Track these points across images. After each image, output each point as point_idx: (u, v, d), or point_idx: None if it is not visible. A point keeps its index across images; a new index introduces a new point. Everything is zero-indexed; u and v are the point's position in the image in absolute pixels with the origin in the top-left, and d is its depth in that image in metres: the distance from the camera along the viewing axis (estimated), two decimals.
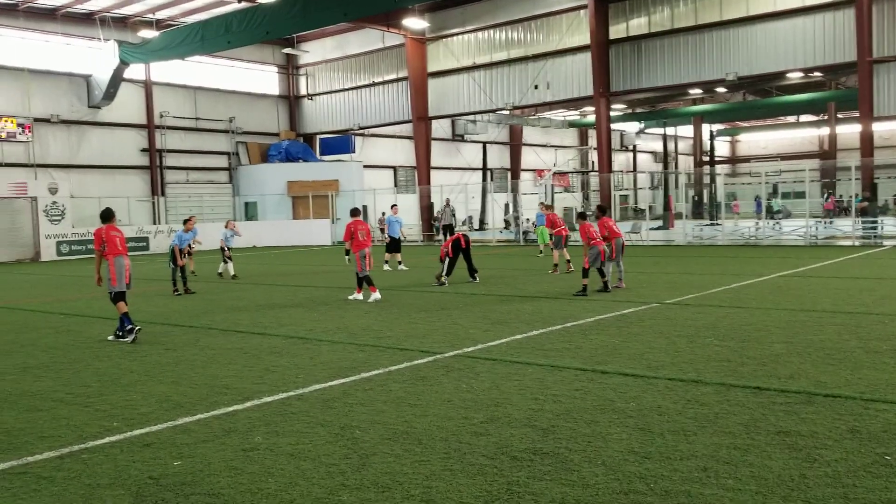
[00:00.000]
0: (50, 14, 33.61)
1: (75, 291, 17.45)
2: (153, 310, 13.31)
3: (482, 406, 6.12)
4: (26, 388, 7.31)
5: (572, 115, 56.44)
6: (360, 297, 13.71)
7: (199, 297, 15.47)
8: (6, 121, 32.43)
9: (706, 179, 48.44)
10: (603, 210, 15.21)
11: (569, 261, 18.21)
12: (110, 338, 10.08)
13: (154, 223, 36.78)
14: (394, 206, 22.46)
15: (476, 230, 43.83)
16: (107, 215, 10.31)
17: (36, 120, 33.41)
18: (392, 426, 5.61)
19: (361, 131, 43.40)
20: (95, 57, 34.46)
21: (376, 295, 13.43)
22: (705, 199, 47.49)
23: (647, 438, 5.17)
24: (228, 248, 19.57)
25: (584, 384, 6.75)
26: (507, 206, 42.32)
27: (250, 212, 39.88)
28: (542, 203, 25.17)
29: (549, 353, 8.20)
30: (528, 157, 55.78)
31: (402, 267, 20.39)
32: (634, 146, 63.64)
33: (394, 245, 20.87)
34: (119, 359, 8.70)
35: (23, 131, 32.93)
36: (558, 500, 4.15)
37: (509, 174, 53.28)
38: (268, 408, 6.28)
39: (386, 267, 20.24)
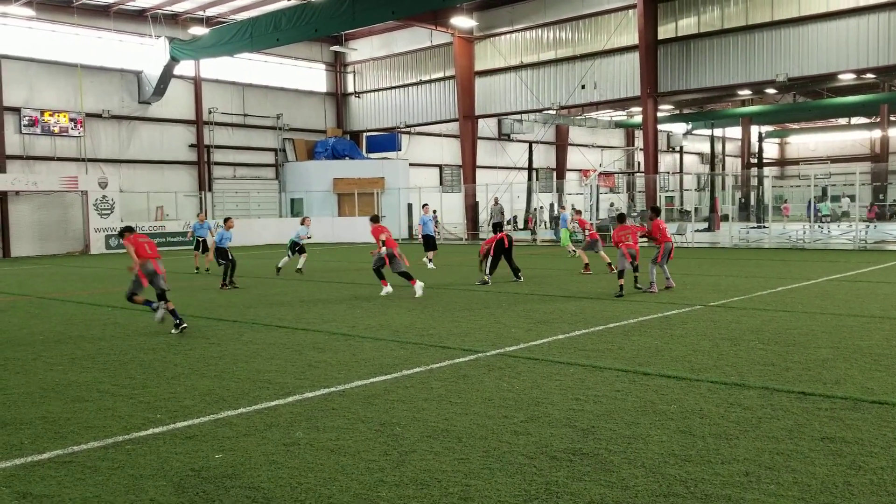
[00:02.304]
0: (103, 11, 34.40)
1: (123, 284, 17.80)
2: (198, 304, 13.55)
3: (523, 405, 6.09)
4: (73, 379, 7.49)
5: (619, 115, 55.87)
6: (389, 289, 14.20)
7: (244, 292, 15.70)
8: (59, 116, 33.32)
9: (753, 182, 47.51)
10: (657, 212, 15.28)
11: (609, 263, 18.08)
12: (174, 332, 10.17)
13: None
14: (425, 205, 22.55)
15: (521, 230, 43.67)
16: (127, 230, 10.49)
17: (88, 115, 34.25)
18: (432, 424, 5.62)
19: (408, 129, 43.56)
20: (146, 53, 35.19)
21: (418, 287, 13.72)
22: (752, 202, 46.56)
23: (688, 441, 5.09)
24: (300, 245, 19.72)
25: (626, 385, 6.68)
26: (551, 205, 42.08)
27: (296, 208, 40.33)
28: (568, 205, 25.15)
29: (590, 354, 8.13)
30: (574, 157, 55.38)
31: (430, 265, 20.40)
32: (681, 147, 62.72)
33: (429, 243, 20.95)
34: (164, 352, 8.87)
35: (75, 126, 33.79)
36: (597, 501, 4.11)
37: (555, 174, 52.97)
38: (309, 403, 6.34)
39: (430, 265, 20.33)
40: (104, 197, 32.11)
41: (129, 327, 10.86)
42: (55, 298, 15.06)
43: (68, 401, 6.60)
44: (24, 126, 32.40)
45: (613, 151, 58.87)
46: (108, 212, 32.06)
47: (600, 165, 52.01)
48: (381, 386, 6.88)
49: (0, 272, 21.51)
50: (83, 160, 34.07)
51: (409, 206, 39.14)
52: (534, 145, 50.42)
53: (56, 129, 33.24)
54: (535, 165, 50.43)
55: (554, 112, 45.03)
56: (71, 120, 33.64)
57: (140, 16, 35.44)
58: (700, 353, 8.08)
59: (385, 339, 9.39)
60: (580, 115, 52.03)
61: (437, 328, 10.13)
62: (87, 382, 7.33)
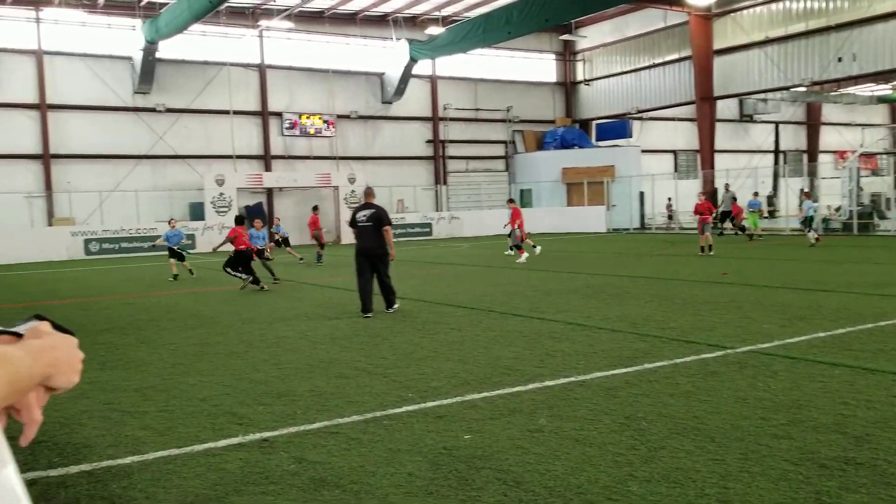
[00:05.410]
0: (350, 18, 37.04)
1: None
2: (437, 291, 14.14)
3: (782, 407, 5.63)
4: (335, 357, 8.13)
5: (883, 89, 50.00)
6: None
7: (476, 279, 16.11)
8: (314, 118, 36.47)
9: None
10: None
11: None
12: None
13: (436, 210, 39.13)
14: (510, 200, 24.03)
15: (765, 217, 40.69)
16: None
17: (338, 116, 37.11)
18: (681, 421, 5.37)
19: (639, 115, 42.33)
20: (388, 56, 37.39)
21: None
22: None
23: None
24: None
25: None
26: (801, 190, 38.70)
27: (525, 199, 40.76)
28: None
29: (858, 354, 7.32)
30: (828, 138, 50.53)
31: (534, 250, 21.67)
32: None
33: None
34: (411, 335, 9.35)
35: (327, 127, 36.80)
36: None
37: (805, 157, 48.69)
38: (550, 391, 6.34)
39: (535, 250, 21.73)
40: (353, 192, 34.68)
41: (378, 309, 11.53)
42: (314, 284, 16.50)
43: (332, 377, 7.17)
44: (286, 129, 35.87)
45: (876, 130, 52.85)
46: (357, 205, 34.53)
47: (861, 146, 46.89)
48: (622, 378, 6.71)
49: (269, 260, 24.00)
50: (334, 158, 37.00)
51: (641, 194, 37.99)
52: (780, 126, 46.77)
53: (312, 131, 36.44)
54: (781, 148, 46.80)
55: (804, 89, 41.37)
56: (324, 121, 36.68)
57: (382, 20, 37.69)
58: None
59: (623, 330, 9.16)
60: (835, 91, 47.31)
61: (679, 321, 9.70)
62: (347, 360, 7.92)
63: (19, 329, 1.10)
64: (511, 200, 22.83)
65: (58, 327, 1.14)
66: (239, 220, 16.38)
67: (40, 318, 1.15)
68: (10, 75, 30.29)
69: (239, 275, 15.16)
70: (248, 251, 15.35)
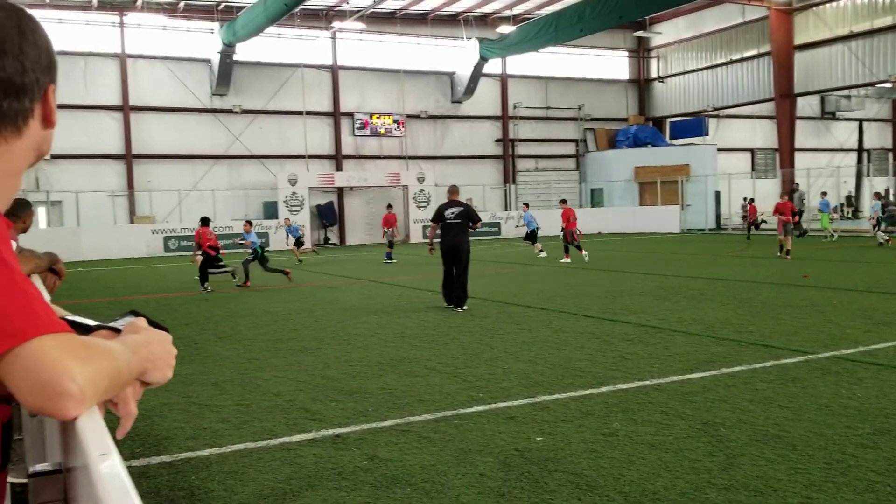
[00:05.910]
0: (421, 18, 37.23)
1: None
2: (506, 290, 14.08)
3: (868, 416, 5.40)
4: (404, 355, 8.18)
5: None
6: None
7: (546, 279, 15.96)
8: (385, 118, 36.82)
9: None
10: None
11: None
12: None
13: (505, 209, 38.99)
14: (525, 204, 25.42)
15: (847, 219, 39.20)
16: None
17: (408, 116, 37.37)
18: (761, 427, 5.20)
19: (716, 112, 41.28)
20: (458, 55, 37.44)
21: None
22: None
23: None
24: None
25: None
26: (886, 191, 37.10)
27: (596, 198, 40.28)
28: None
29: None
30: None
31: (542, 254, 22.47)
32: None
33: (533, 237, 23.62)
34: (480, 335, 9.33)
35: (397, 127, 37.10)
36: None
37: (890, 155, 46.65)
38: (624, 394, 6.23)
39: (542, 254, 22.50)
40: (421, 191, 34.90)
41: (446, 309, 11.58)
42: (384, 282, 16.66)
43: (402, 375, 7.22)
44: (357, 129, 36.33)
45: None
46: (425, 204, 34.74)
47: None
48: (699, 383, 6.54)
49: (340, 258, 24.38)
50: (404, 158, 37.28)
51: (717, 193, 37.06)
52: (864, 123, 44.94)
53: (382, 131, 36.81)
54: (865, 146, 44.97)
55: (890, 85, 39.64)
56: (394, 121, 36.99)
57: (453, 20, 37.76)
58: None
59: (699, 333, 8.94)
60: None
61: (757, 325, 9.41)
62: (417, 359, 7.96)
63: (117, 324, 1.13)
64: (563, 201, 23.28)
65: (153, 324, 1.17)
66: (205, 221, 16.35)
67: (136, 314, 1.17)
68: (96, 78, 31.57)
69: (225, 269, 15.82)
70: (214, 249, 15.77)
